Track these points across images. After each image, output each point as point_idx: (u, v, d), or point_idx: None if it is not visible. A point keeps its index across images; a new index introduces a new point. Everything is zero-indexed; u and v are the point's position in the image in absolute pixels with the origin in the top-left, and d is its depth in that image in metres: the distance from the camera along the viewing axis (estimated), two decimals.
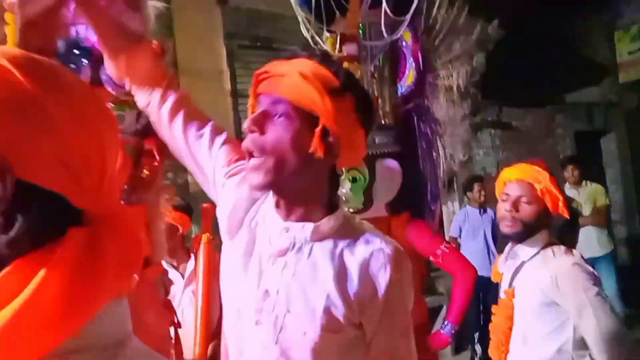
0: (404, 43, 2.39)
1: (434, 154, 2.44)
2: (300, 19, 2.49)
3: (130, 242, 0.50)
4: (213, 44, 4.80)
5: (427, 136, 2.37)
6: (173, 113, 1.17)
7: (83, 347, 0.47)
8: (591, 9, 7.62)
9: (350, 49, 2.25)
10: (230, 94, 4.92)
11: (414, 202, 2.29)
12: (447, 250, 2.17)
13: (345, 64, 2.10)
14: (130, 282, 0.51)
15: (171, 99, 1.17)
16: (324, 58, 1.04)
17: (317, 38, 2.44)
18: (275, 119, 0.97)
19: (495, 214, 4.89)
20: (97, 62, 1.67)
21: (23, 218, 0.45)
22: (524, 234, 1.80)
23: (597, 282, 1.69)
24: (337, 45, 2.35)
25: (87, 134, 0.49)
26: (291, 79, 0.95)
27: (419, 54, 2.35)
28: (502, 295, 1.88)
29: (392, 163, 2.21)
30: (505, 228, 1.81)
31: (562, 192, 1.81)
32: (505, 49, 4.10)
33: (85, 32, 1.66)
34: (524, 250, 1.82)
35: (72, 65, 1.60)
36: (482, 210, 4.99)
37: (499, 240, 4.62)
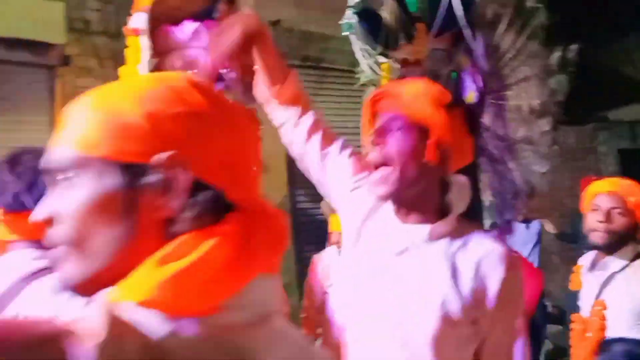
0: (464, 68, 2.52)
1: (500, 167, 2.52)
2: (358, 49, 2.64)
3: (275, 229, 0.59)
4: None
5: (488, 152, 2.47)
6: (311, 132, 1.32)
7: (236, 306, 0.54)
8: (635, 27, 7.62)
9: (413, 72, 2.39)
10: None
11: (479, 215, 2.37)
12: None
13: None
14: (278, 262, 0.59)
15: (309, 119, 1.34)
16: (436, 75, 1.20)
17: (374, 67, 2.60)
18: (395, 131, 1.12)
19: (541, 226, 4.96)
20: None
21: (198, 205, 0.55)
22: (615, 245, 1.84)
23: None
24: (393, 70, 2.50)
25: (242, 142, 0.60)
26: (408, 97, 1.10)
27: (478, 76, 2.48)
28: (582, 304, 1.91)
29: (461, 177, 2.36)
30: (597, 239, 1.85)
31: None
32: None
33: (199, 56, 1.89)
34: (614, 262, 1.85)
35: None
36: (527, 224, 5.06)
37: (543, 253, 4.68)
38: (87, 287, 0.57)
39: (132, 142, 0.54)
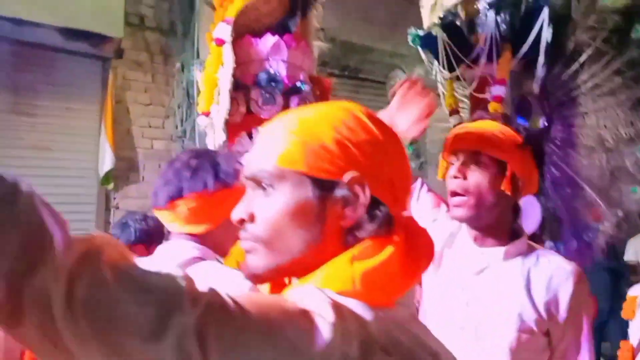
0: (529, 91, 2.60)
1: (566, 192, 2.58)
2: (439, 62, 2.72)
3: (427, 242, 0.69)
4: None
5: (553, 175, 2.54)
6: None
7: (403, 303, 0.67)
8: None
9: (498, 90, 2.47)
10: None
11: (545, 237, 2.44)
12: None
13: (492, 104, 2.35)
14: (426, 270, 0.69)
15: None
16: (507, 118, 1.37)
17: (442, 84, 2.73)
18: (473, 166, 1.28)
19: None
20: (287, 92, 2.07)
21: (375, 218, 0.66)
22: None
23: None
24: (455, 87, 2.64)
25: (402, 164, 0.70)
26: (489, 136, 1.27)
27: (547, 103, 2.55)
28: (632, 333, 1.97)
29: (532, 199, 2.43)
30: None
31: None
32: None
33: (277, 68, 2.06)
34: None
35: (269, 94, 2.00)
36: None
37: None
38: (266, 278, 0.69)
39: (326, 162, 0.64)
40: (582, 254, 2.48)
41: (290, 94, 2.07)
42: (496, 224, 1.31)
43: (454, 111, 2.79)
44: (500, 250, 1.29)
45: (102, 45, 4.32)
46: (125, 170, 4.47)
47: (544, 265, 1.28)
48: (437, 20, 2.66)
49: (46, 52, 4.22)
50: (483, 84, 2.64)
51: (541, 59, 2.40)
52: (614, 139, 2.56)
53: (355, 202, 0.65)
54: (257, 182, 0.68)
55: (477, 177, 1.27)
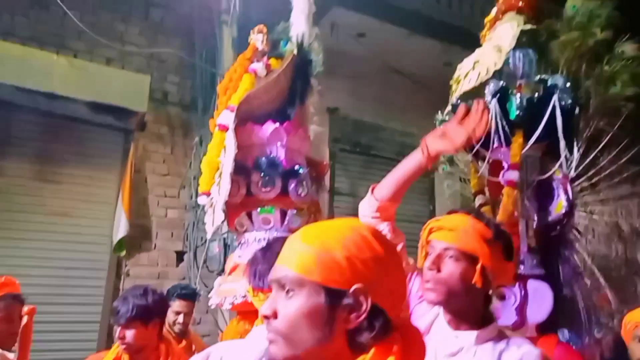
0: (554, 176, 2.52)
1: (587, 281, 2.55)
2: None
3: (421, 344, 0.83)
4: (319, 146, 5.41)
5: (572, 263, 2.50)
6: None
7: None
8: None
9: (511, 175, 2.51)
10: (328, 191, 5.43)
11: (562, 325, 2.40)
12: None
13: (507, 189, 2.39)
14: None
15: (392, 233, 1.66)
16: (479, 214, 1.46)
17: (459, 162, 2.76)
18: (447, 259, 1.38)
19: None
20: (285, 175, 2.18)
21: (376, 323, 0.79)
22: None
23: None
24: (479, 169, 2.67)
25: (400, 275, 0.86)
26: (459, 232, 1.38)
27: (568, 187, 2.49)
28: None
29: (542, 285, 2.37)
30: None
31: None
32: None
33: (277, 152, 2.20)
34: None
35: (268, 177, 2.12)
36: None
37: None
38: None
39: (336, 274, 0.80)
40: (591, 350, 2.40)
41: (288, 176, 2.19)
42: (468, 310, 1.40)
43: (479, 192, 2.80)
44: (473, 334, 1.38)
45: (127, 118, 4.60)
46: (138, 238, 4.61)
47: (514, 349, 1.35)
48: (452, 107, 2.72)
49: (74, 124, 4.50)
50: (498, 168, 2.62)
51: (562, 144, 2.41)
52: (630, 230, 2.54)
53: (359, 309, 0.79)
54: (282, 286, 0.83)
55: (449, 270, 1.38)
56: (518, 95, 2.44)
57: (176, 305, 2.97)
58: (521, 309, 2.30)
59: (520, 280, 2.32)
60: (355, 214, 6.16)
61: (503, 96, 2.53)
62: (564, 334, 2.57)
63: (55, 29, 4.51)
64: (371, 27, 5.05)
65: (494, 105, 2.54)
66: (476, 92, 2.60)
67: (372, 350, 0.79)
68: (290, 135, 2.22)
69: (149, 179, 4.79)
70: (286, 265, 0.83)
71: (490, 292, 1.42)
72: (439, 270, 1.38)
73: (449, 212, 1.47)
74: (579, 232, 2.52)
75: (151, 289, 2.13)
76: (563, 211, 2.45)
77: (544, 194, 2.51)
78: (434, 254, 1.40)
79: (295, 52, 2.30)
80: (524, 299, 2.32)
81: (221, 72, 4.39)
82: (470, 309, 1.40)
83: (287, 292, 0.81)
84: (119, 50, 4.74)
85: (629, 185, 2.55)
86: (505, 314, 2.27)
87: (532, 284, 2.36)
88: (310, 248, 0.81)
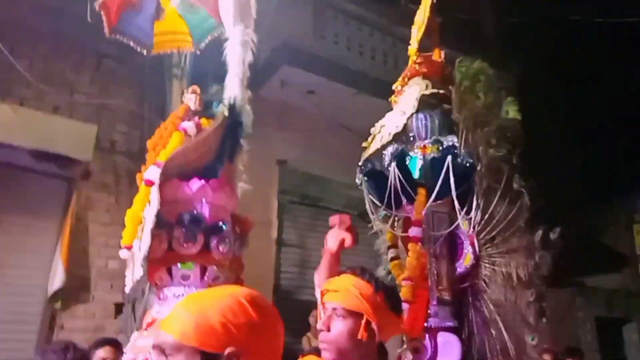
0: (461, 229, 2.65)
1: (493, 332, 2.66)
2: (367, 204, 2.94)
3: None
4: (268, 197, 5.47)
5: (482, 314, 2.62)
6: None
7: None
8: (611, 200, 8.18)
9: (414, 231, 2.64)
10: (275, 242, 5.45)
11: None
12: None
13: (411, 245, 2.53)
14: None
15: None
16: (362, 271, 1.55)
17: (377, 221, 2.89)
18: (335, 318, 1.46)
19: None
20: (208, 230, 2.20)
21: None
22: None
23: None
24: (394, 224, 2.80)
25: (275, 338, 0.95)
26: (342, 292, 1.47)
27: (475, 241, 2.63)
28: None
29: (452, 337, 2.46)
30: None
31: None
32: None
33: (201, 209, 2.23)
34: None
35: (190, 233, 2.14)
36: None
37: None
38: None
39: (212, 339, 0.87)
40: None
41: (211, 232, 2.21)
42: None
43: (393, 245, 2.93)
44: None
45: (70, 167, 4.55)
46: (75, 289, 4.48)
47: None
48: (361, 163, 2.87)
49: (16, 172, 4.43)
50: (408, 224, 2.78)
51: (456, 202, 2.58)
52: (516, 279, 2.70)
53: None
54: (162, 350, 0.90)
55: (337, 328, 1.45)
56: (420, 155, 2.63)
57: (101, 352, 2.95)
58: None
59: (431, 333, 2.41)
60: (302, 264, 6.22)
61: (403, 158, 2.74)
62: None
63: (1, 75, 4.50)
64: (320, 85, 5.24)
65: (393, 167, 2.73)
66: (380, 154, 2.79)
67: None
68: (215, 192, 2.25)
69: (91, 228, 4.71)
70: (167, 331, 0.90)
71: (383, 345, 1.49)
72: (328, 330, 1.46)
73: (339, 273, 1.55)
74: (486, 283, 2.66)
75: (73, 345, 2.10)
76: (470, 263, 2.61)
77: (453, 248, 2.68)
78: (325, 315, 1.48)
79: (226, 113, 2.38)
80: (434, 351, 2.41)
81: None
82: None
83: (167, 356, 0.88)
84: (68, 99, 4.75)
85: (517, 238, 2.74)
86: None
87: (441, 336, 2.44)
88: (189, 315, 0.89)
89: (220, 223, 2.25)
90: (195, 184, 2.24)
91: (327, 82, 5.18)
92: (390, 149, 2.70)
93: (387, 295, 1.49)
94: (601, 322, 7.29)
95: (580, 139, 7.42)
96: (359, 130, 5.51)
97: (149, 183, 2.20)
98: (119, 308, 4.65)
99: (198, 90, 2.53)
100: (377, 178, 2.94)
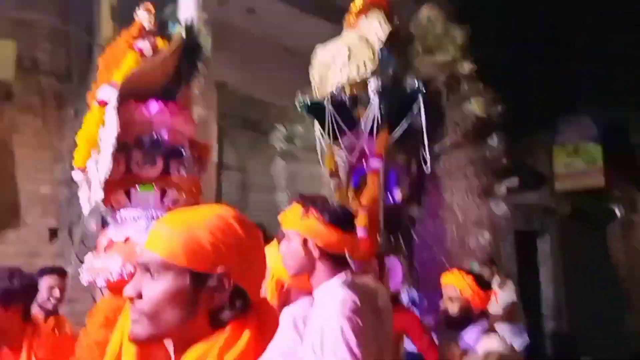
0: (399, 165, 2.94)
1: (427, 254, 2.91)
2: (317, 132, 2.99)
3: (275, 321, 0.91)
4: (207, 120, 5.32)
5: (415, 240, 2.87)
6: None
7: None
8: (534, 124, 8.69)
9: (374, 163, 2.76)
10: (216, 165, 5.39)
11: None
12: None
13: (369, 176, 2.60)
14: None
15: None
16: (303, 198, 1.65)
17: (322, 145, 2.96)
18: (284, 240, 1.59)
19: None
20: (167, 154, 2.16)
21: (235, 302, 0.85)
22: None
23: None
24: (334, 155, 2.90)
25: (260, 257, 0.92)
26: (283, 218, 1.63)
27: (410, 175, 2.89)
28: None
29: (395, 260, 2.71)
30: None
31: None
32: None
33: (160, 132, 2.17)
34: None
35: (150, 156, 2.10)
36: None
37: None
38: (147, 343, 0.88)
39: (201, 258, 0.84)
40: (430, 313, 2.79)
41: (170, 156, 2.17)
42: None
43: (333, 173, 3.04)
44: None
45: None
46: (5, 215, 4.26)
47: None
48: (325, 94, 2.93)
49: None
50: (362, 155, 2.90)
51: (425, 140, 2.74)
52: (463, 218, 2.96)
53: (222, 290, 0.85)
54: (147, 269, 0.86)
55: (284, 248, 1.65)
56: (386, 92, 2.76)
57: (47, 281, 2.94)
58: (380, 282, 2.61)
59: (378, 258, 2.60)
60: (243, 187, 6.24)
61: (381, 94, 2.83)
62: (412, 292, 2.96)
63: None
64: (261, 4, 5.01)
65: (376, 101, 2.81)
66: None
67: (230, 326, 0.84)
68: (174, 115, 2.21)
69: (18, 153, 4.42)
70: (152, 250, 0.86)
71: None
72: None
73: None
74: (420, 212, 2.92)
75: (18, 272, 2.04)
76: (406, 195, 2.84)
77: (391, 181, 2.89)
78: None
79: (184, 35, 2.29)
80: (382, 273, 2.61)
81: (99, 43, 4.14)
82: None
83: (153, 275, 0.85)
84: None
85: (467, 181, 2.99)
86: None
87: (387, 260, 2.66)
88: (176, 233, 0.85)
89: (180, 147, 2.22)
90: (154, 106, 2.18)
91: (269, 0, 4.96)
92: (372, 83, 2.76)
93: (322, 211, 1.57)
94: (519, 236, 7.93)
95: (512, 65, 7.69)
96: (303, 53, 5.41)
97: (103, 103, 2.11)
98: (53, 233, 4.50)
99: (152, 9, 2.36)
100: (317, 109, 3.00)
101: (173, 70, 2.30)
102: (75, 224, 4.34)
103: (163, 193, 2.15)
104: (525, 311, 6.50)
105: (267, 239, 1.43)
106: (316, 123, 3.26)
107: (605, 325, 8.78)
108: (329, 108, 2.99)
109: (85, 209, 2.22)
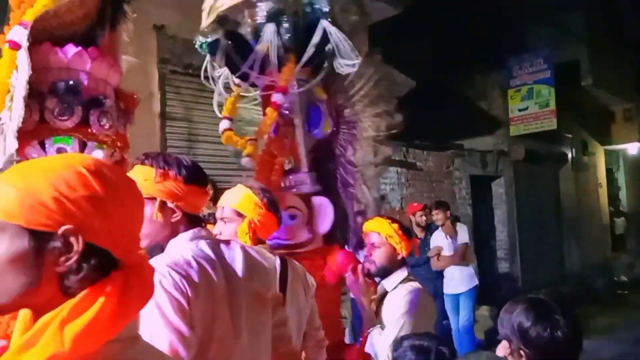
0: (320, 99, 2.69)
1: (352, 191, 2.78)
2: (207, 63, 2.72)
3: (147, 282, 0.82)
4: (147, 67, 4.93)
5: (343, 177, 2.72)
6: None
7: (118, 339, 0.78)
8: (489, 69, 8.64)
9: (276, 97, 2.52)
10: (159, 116, 5.05)
11: (342, 234, 2.61)
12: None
13: (268, 110, 2.44)
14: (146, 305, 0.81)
15: None
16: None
17: (213, 81, 2.72)
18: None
19: None
20: (87, 103, 1.92)
21: (87, 264, 0.75)
22: None
23: None
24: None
25: (126, 215, 0.81)
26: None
27: (333, 108, 2.68)
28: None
29: (324, 200, 2.54)
30: None
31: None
32: (414, 99, 4.67)
33: (78, 78, 1.91)
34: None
35: (66, 104, 1.86)
36: None
37: None
38: None
39: (42, 216, 0.74)
40: (357, 248, 2.72)
41: (90, 106, 1.93)
42: None
43: (228, 118, 2.84)
44: None
45: None
46: None
47: None
48: (214, 25, 2.65)
49: None
50: (270, 91, 2.69)
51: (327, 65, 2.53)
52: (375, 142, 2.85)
53: (69, 251, 0.75)
54: None
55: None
56: (289, 19, 2.51)
57: None
58: (309, 225, 2.48)
59: (303, 199, 2.48)
60: (190, 138, 5.89)
61: (276, 19, 2.57)
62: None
63: None
64: None
65: (271, 28, 2.55)
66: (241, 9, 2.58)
67: (83, 292, 0.75)
68: (95, 61, 1.95)
69: None
70: None
71: None
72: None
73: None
74: (344, 147, 2.78)
75: None
76: (330, 130, 2.67)
77: (313, 116, 2.70)
78: None
79: None
80: (310, 215, 2.48)
81: None
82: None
83: None
84: None
85: (375, 106, 2.86)
86: (298, 232, 2.44)
87: (315, 200, 2.54)
88: (12, 189, 0.75)
89: (101, 97, 1.97)
90: (71, 50, 1.94)
91: None
92: (263, 5, 2.50)
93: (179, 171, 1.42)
94: (475, 180, 8.01)
95: (461, 10, 7.53)
96: None
97: (15, 46, 1.86)
98: None
99: None
100: (238, 43, 2.69)
101: (95, 12, 2.03)
102: None
103: (83, 146, 1.92)
104: (479, 253, 6.65)
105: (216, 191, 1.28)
106: (209, 64, 2.99)
107: (551, 265, 9.16)
108: (224, 44, 2.68)
109: (1, 162, 1.99)
